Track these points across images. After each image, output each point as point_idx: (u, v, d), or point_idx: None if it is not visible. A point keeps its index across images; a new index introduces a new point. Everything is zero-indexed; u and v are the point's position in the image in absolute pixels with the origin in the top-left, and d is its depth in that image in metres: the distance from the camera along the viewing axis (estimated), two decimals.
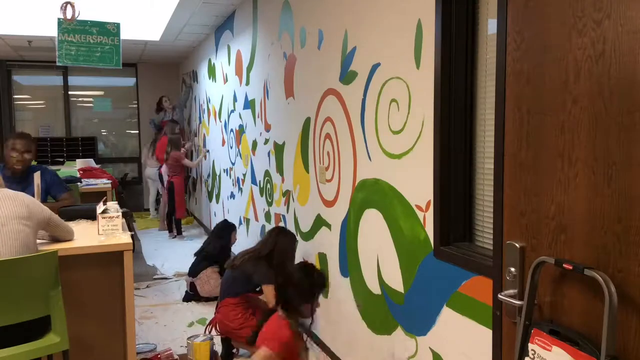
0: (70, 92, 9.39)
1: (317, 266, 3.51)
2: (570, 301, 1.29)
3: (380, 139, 2.70)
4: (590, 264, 1.22)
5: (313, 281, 2.53)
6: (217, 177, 6.85)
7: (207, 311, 4.40)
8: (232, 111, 5.90)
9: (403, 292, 2.55)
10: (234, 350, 3.57)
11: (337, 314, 3.32)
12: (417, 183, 2.40)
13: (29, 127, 9.24)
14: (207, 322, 3.68)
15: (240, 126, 5.56)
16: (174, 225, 7.41)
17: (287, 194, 4.16)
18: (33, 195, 3.24)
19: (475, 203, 2.22)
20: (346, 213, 3.13)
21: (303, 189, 3.81)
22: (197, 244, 5.90)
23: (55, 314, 2.33)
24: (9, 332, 2.22)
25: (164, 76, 9.72)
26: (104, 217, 2.86)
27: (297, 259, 3.61)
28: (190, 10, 5.66)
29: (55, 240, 2.73)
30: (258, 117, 4.88)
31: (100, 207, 2.95)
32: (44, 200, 3.55)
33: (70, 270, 2.70)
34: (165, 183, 7.44)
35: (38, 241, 2.54)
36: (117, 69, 5.27)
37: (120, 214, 2.95)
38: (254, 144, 5.04)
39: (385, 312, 2.71)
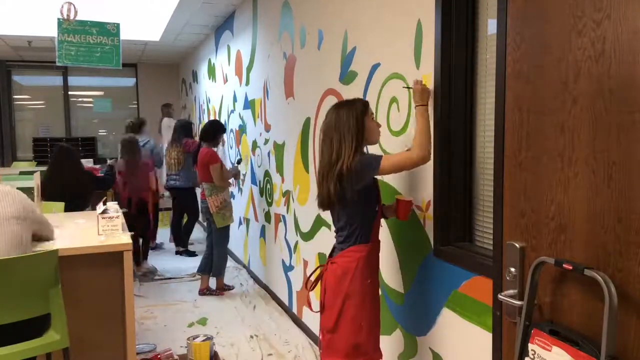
0: (70, 93, 9.39)
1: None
2: (570, 301, 1.29)
3: (380, 139, 2.70)
4: (590, 264, 1.22)
5: None
6: None
7: (208, 309, 4.40)
8: (232, 111, 5.90)
9: (403, 292, 2.54)
10: None
11: None
12: (417, 183, 2.40)
13: (29, 127, 9.25)
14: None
15: (240, 126, 5.57)
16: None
17: (287, 194, 4.16)
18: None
19: (475, 203, 2.22)
20: None
21: (303, 189, 3.81)
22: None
23: (55, 312, 2.33)
24: (10, 330, 2.22)
25: (164, 76, 9.72)
26: (104, 218, 2.86)
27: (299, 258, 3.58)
28: (190, 11, 5.67)
29: (38, 239, 2.64)
30: (258, 117, 4.88)
31: (100, 208, 2.95)
32: None
33: (70, 270, 2.70)
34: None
35: None
36: (117, 69, 5.28)
37: (120, 214, 2.95)
38: (254, 144, 5.04)
39: (385, 312, 2.71)
